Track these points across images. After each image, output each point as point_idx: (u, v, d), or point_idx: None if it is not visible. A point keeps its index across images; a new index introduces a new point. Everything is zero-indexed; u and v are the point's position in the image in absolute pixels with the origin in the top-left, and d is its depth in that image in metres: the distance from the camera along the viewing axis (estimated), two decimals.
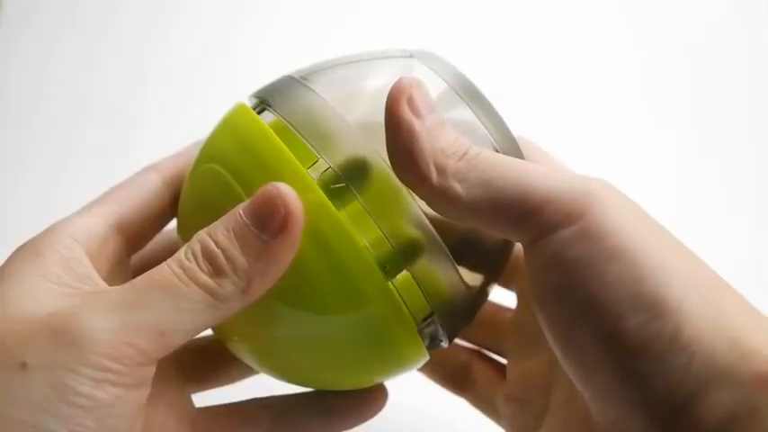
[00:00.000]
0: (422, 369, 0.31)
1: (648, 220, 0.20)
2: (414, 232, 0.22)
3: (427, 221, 0.22)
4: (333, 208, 0.21)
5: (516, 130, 0.25)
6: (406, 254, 0.22)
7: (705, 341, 0.18)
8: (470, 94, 0.24)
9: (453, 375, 0.32)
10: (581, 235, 0.19)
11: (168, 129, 0.51)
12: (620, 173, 0.51)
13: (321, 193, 0.21)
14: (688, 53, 0.57)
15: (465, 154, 0.21)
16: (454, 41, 0.57)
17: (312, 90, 0.23)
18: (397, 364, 0.24)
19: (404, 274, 0.22)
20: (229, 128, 0.24)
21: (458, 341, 0.32)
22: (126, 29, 0.57)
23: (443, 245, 0.22)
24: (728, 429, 0.17)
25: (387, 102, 0.21)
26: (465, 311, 0.24)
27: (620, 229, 0.19)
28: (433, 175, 0.20)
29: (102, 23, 0.57)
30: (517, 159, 0.21)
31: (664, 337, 0.18)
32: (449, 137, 0.21)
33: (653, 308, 0.18)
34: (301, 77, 0.24)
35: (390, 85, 0.21)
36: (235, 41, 0.57)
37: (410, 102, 0.21)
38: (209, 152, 0.24)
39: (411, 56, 0.25)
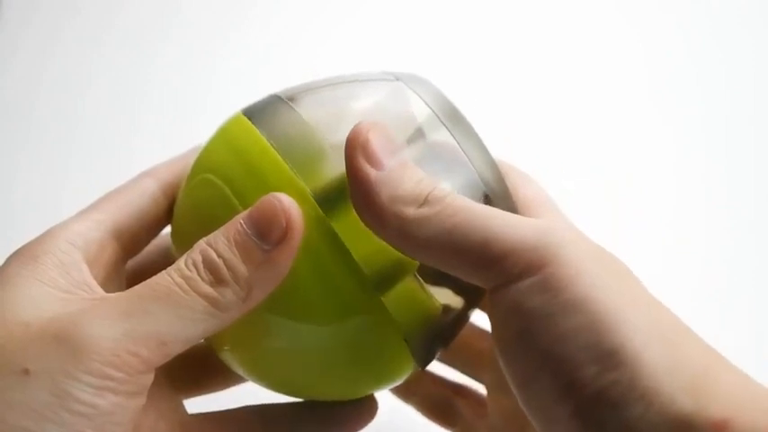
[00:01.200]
0: (411, 402, 0.32)
1: (610, 266, 0.20)
2: (393, 252, 0.22)
3: None
4: (328, 221, 0.21)
5: (510, 138, 0.25)
6: (392, 272, 0.22)
7: (663, 390, 0.18)
8: (453, 120, 0.24)
9: (440, 409, 0.32)
10: (541, 286, 0.19)
11: (167, 129, 0.51)
12: (616, 180, 0.52)
13: (317, 206, 0.22)
14: (681, 58, 0.57)
15: (426, 199, 0.21)
16: (451, 53, 0.57)
17: (296, 111, 0.23)
18: (386, 376, 0.24)
19: (394, 290, 0.22)
20: (226, 138, 0.24)
21: (442, 374, 0.33)
22: (125, 29, 0.57)
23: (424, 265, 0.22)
24: None
25: (344, 150, 0.21)
26: (443, 333, 0.25)
27: (579, 279, 0.19)
28: (392, 223, 0.21)
29: (102, 24, 0.57)
30: (482, 206, 0.21)
31: (620, 386, 0.18)
32: (411, 179, 0.21)
33: (610, 358, 0.18)
34: (287, 97, 0.24)
35: (375, 108, 0.22)
36: (235, 43, 0.57)
37: (365, 150, 0.21)
38: (206, 162, 0.24)
39: (397, 79, 0.25)
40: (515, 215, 0.21)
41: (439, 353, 0.25)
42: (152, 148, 0.53)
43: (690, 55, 0.56)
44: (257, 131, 0.23)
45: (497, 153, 0.26)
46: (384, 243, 0.22)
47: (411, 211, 0.21)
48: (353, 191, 0.21)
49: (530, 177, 0.27)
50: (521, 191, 0.25)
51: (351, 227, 0.22)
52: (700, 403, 0.18)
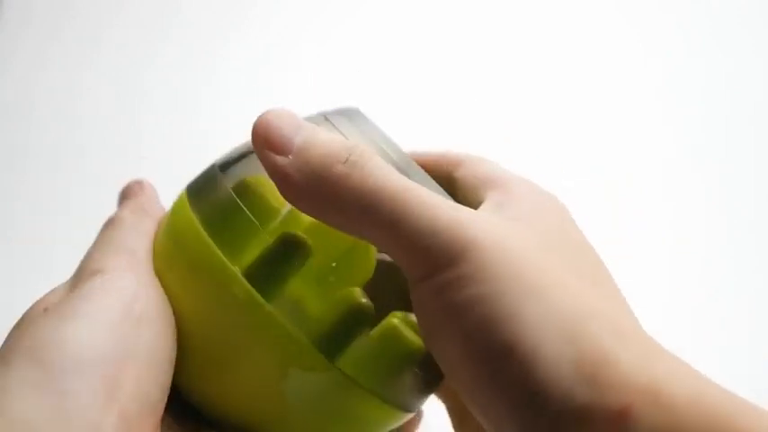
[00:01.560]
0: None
1: (525, 260, 0.20)
2: (349, 307, 0.22)
3: (361, 294, 0.22)
4: (263, 304, 0.21)
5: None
6: (344, 331, 0.22)
7: (560, 384, 0.18)
8: (383, 155, 0.23)
9: None
10: (446, 284, 0.19)
11: (167, 129, 0.51)
12: (615, 180, 0.52)
13: (247, 285, 0.21)
14: (681, 58, 0.57)
15: (348, 159, 0.21)
16: (451, 53, 0.57)
17: (225, 186, 0.23)
18: (373, 429, 0.24)
19: (351, 348, 0.22)
20: (169, 222, 0.24)
21: None
22: (125, 29, 0.57)
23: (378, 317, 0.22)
24: None
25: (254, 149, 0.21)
26: (422, 374, 0.24)
27: (489, 276, 0.19)
28: (313, 198, 0.21)
29: (102, 24, 0.57)
30: (414, 185, 0.21)
31: (516, 383, 0.18)
32: (322, 148, 0.21)
33: (505, 355, 0.18)
34: (225, 163, 0.24)
35: None
36: (235, 43, 0.57)
37: (269, 141, 0.21)
38: (160, 233, 0.25)
39: (326, 119, 0.24)
40: (444, 208, 0.20)
41: (431, 389, 0.24)
42: (152, 147, 0.53)
43: (690, 55, 0.56)
44: (193, 217, 0.23)
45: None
46: (329, 302, 0.21)
47: (336, 170, 0.20)
48: (278, 187, 0.21)
49: (484, 158, 0.27)
50: (475, 172, 0.25)
51: (295, 294, 0.21)
52: (597, 392, 0.17)
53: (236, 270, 0.21)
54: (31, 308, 0.22)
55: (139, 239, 0.24)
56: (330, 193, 0.21)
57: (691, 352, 0.45)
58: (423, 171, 0.23)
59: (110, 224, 0.25)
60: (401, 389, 0.23)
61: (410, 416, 0.24)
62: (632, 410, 0.17)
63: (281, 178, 0.21)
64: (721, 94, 0.54)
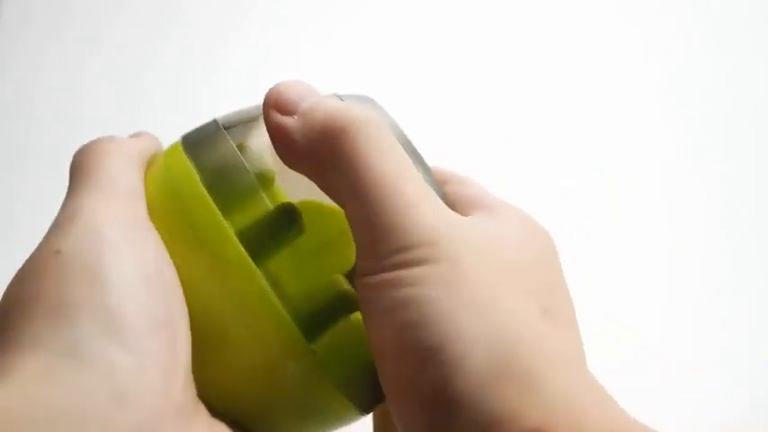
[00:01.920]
0: None
1: (481, 277, 0.20)
2: (331, 293, 0.21)
3: (345, 282, 0.22)
4: (252, 265, 0.21)
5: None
6: (325, 314, 0.22)
7: (480, 395, 0.17)
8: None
9: None
10: (399, 279, 0.19)
11: (167, 129, 0.51)
12: (616, 180, 0.52)
13: (241, 248, 0.21)
14: (681, 58, 0.57)
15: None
16: (452, 52, 0.57)
17: (230, 143, 0.22)
18: (324, 422, 0.24)
19: (328, 334, 0.21)
20: (162, 171, 0.23)
21: None
22: (125, 29, 0.57)
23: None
24: None
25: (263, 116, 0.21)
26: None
27: (440, 280, 0.19)
28: (309, 159, 0.21)
29: (101, 23, 0.57)
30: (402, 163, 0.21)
31: (436, 387, 0.18)
32: (327, 112, 0.21)
33: (430, 356, 0.18)
34: (225, 125, 0.24)
35: None
36: (235, 43, 0.57)
37: (278, 103, 0.21)
38: (149, 174, 0.24)
39: (339, 98, 0.24)
40: (427, 207, 0.20)
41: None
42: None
43: (690, 55, 0.56)
44: (190, 166, 0.22)
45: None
46: (317, 285, 0.21)
47: (339, 135, 0.20)
48: (276, 146, 0.21)
49: (470, 179, 0.27)
50: (462, 191, 0.25)
51: (281, 265, 0.21)
52: (515, 410, 0.17)
53: (230, 230, 0.21)
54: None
55: (135, 174, 0.23)
56: (327, 157, 0.20)
57: (691, 352, 0.45)
58: (426, 164, 0.23)
59: (96, 150, 0.24)
60: (366, 385, 0.22)
61: (359, 418, 0.24)
62: (547, 430, 0.17)
63: (282, 135, 0.21)
64: (721, 94, 0.54)
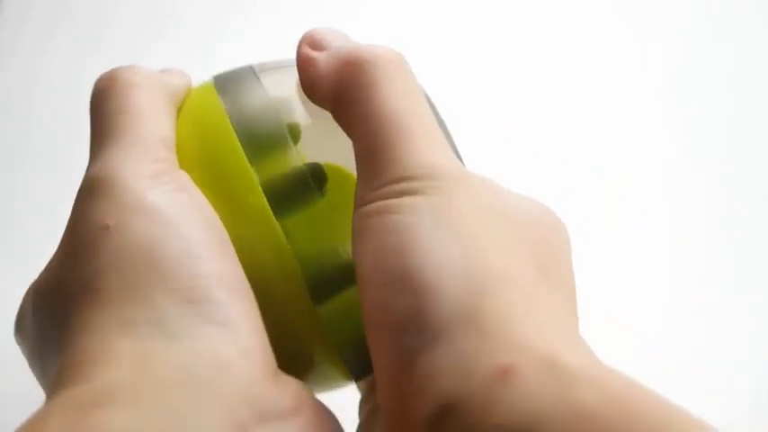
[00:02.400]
0: None
1: (477, 218, 0.19)
2: (342, 261, 0.21)
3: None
4: (272, 217, 0.21)
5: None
6: (337, 279, 0.22)
7: (450, 324, 0.17)
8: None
9: None
10: (397, 206, 0.19)
11: None
12: (615, 180, 0.52)
13: (264, 199, 0.21)
14: (681, 58, 0.57)
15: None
16: (452, 52, 0.57)
17: (264, 90, 0.23)
18: (316, 382, 0.24)
19: (336, 299, 0.22)
20: (191, 108, 0.23)
21: None
22: (125, 29, 0.57)
23: None
24: (449, 418, 0.16)
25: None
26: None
27: (431, 212, 0.19)
28: (331, 90, 0.21)
29: (102, 23, 0.57)
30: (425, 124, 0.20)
31: (407, 311, 0.18)
32: (359, 50, 0.21)
33: (404, 281, 0.18)
34: (260, 72, 0.24)
35: None
36: (234, 43, 0.57)
37: (312, 39, 0.22)
38: (181, 117, 0.23)
39: None
40: (432, 153, 0.20)
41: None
42: None
43: (690, 55, 0.56)
44: (221, 107, 0.22)
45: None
46: (333, 247, 0.21)
47: (367, 70, 0.21)
48: (302, 76, 0.21)
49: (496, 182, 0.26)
50: None
51: (300, 225, 0.21)
52: (487, 347, 0.16)
53: (256, 178, 0.21)
54: (87, 225, 0.20)
55: (166, 119, 0.22)
56: (345, 86, 0.20)
57: (691, 351, 0.45)
58: (445, 124, 0.23)
59: (122, 83, 0.23)
60: (362, 352, 0.22)
61: (347, 383, 0.24)
62: (517, 371, 0.16)
63: (308, 65, 0.21)
64: (721, 94, 0.54)
